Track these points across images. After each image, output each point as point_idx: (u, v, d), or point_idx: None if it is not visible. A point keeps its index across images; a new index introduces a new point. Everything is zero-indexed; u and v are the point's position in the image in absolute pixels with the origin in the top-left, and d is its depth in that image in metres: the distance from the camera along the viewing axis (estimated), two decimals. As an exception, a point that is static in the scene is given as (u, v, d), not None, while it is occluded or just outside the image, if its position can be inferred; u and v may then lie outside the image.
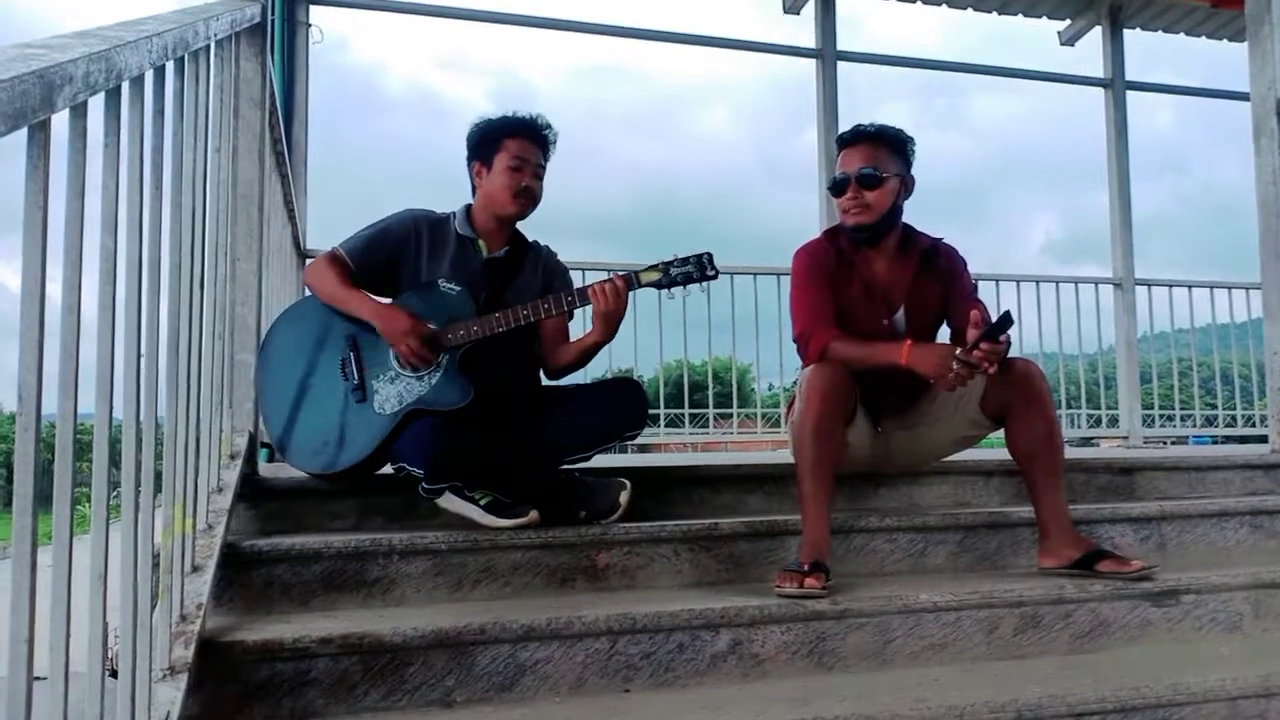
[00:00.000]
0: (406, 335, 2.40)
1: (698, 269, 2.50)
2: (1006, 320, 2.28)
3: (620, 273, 2.50)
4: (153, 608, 1.51)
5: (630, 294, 2.49)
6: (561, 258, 2.80)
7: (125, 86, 1.26)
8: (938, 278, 2.65)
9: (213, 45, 1.95)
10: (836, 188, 2.59)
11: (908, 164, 2.62)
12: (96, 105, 1.16)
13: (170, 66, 1.52)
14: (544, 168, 2.64)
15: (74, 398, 1.08)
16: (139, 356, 1.36)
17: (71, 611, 1.08)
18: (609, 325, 2.50)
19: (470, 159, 2.64)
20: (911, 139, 2.63)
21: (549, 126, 2.64)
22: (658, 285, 2.50)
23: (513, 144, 2.57)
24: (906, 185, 2.61)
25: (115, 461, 1.27)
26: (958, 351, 2.29)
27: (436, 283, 2.51)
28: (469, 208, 2.66)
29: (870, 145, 2.58)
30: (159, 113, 1.46)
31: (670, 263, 2.51)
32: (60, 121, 1.05)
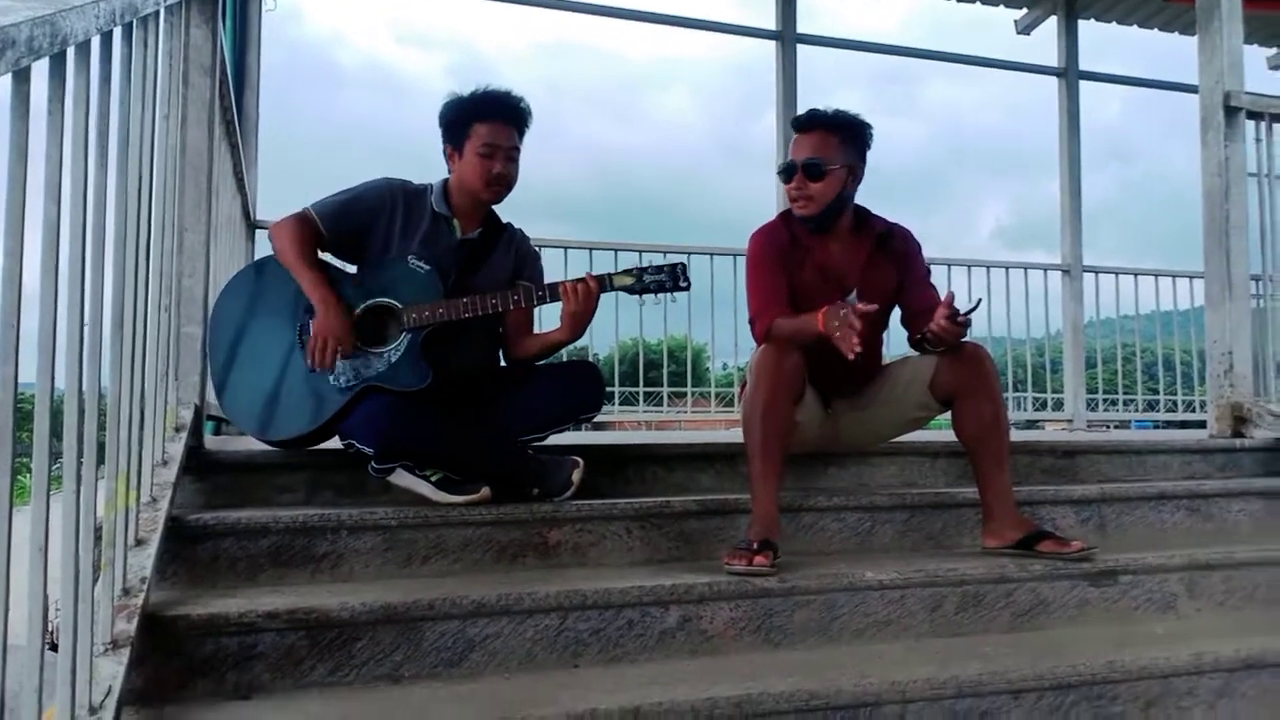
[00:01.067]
0: (330, 335, 2.36)
1: (670, 279, 2.52)
2: (976, 306, 2.39)
3: (590, 274, 2.50)
4: (95, 581, 1.50)
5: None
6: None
7: (71, 52, 1.23)
8: (892, 260, 2.67)
9: (162, 11, 1.91)
10: (785, 174, 2.59)
11: (861, 152, 2.62)
12: (40, 70, 1.13)
13: (118, 32, 1.48)
14: (518, 149, 2.57)
15: (14, 366, 1.06)
16: (82, 327, 1.34)
17: (11, 584, 1.06)
18: (576, 325, 2.49)
19: (443, 141, 2.58)
20: (868, 125, 2.62)
21: (520, 102, 2.56)
22: (630, 290, 2.51)
23: (482, 129, 2.50)
24: (855, 174, 2.60)
25: (56, 433, 1.25)
26: (853, 300, 2.29)
27: (406, 259, 2.47)
28: (446, 184, 2.60)
29: (821, 133, 2.57)
30: (105, 79, 1.43)
31: (645, 269, 2.52)
32: (2, 87, 1.02)
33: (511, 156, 2.55)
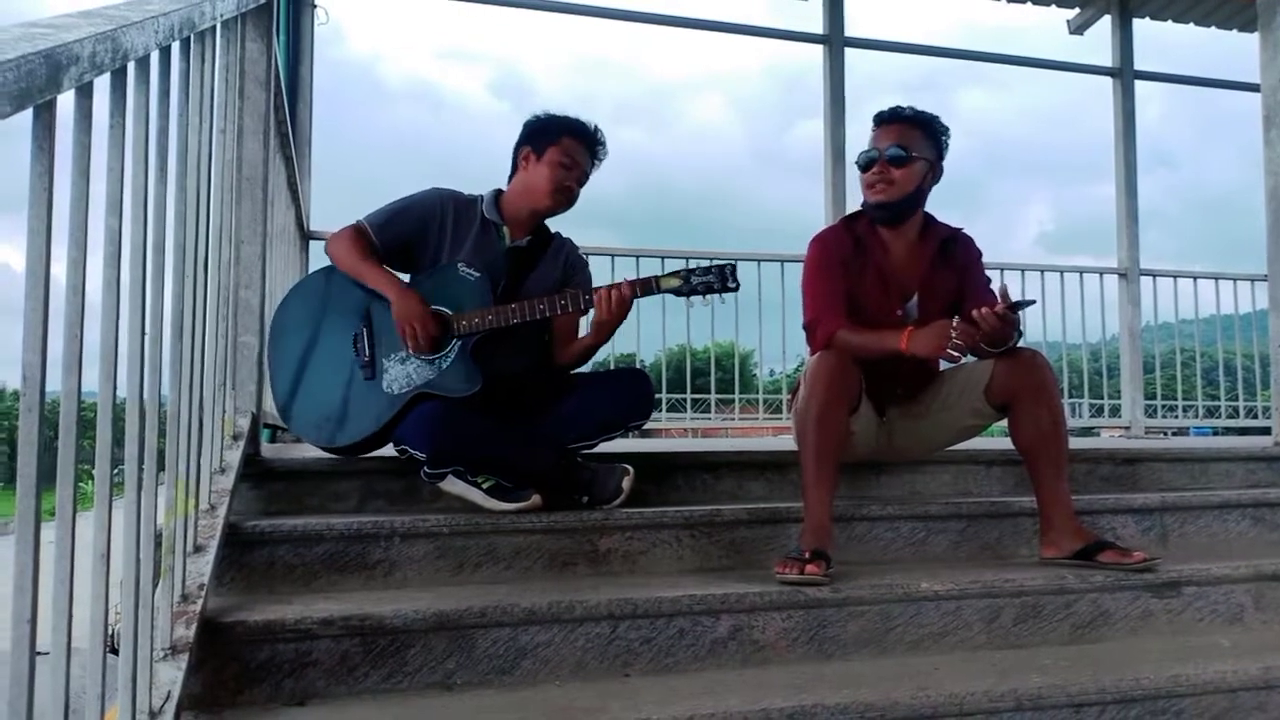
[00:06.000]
0: (415, 319, 2.41)
1: (719, 279, 2.50)
2: (1028, 302, 2.40)
3: (630, 279, 2.50)
4: (154, 587, 1.52)
5: (637, 300, 2.49)
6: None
7: (131, 67, 1.25)
8: (953, 267, 2.65)
9: (219, 26, 1.94)
10: (865, 163, 2.58)
11: (939, 152, 2.62)
12: (102, 86, 1.15)
13: (176, 47, 1.51)
14: (588, 176, 2.66)
15: (78, 377, 1.08)
16: (143, 337, 1.36)
17: (74, 589, 1.08)
18: (602, 331, 2.51)
19: (521, 143, 2.64)
20: (947, 129, 2.62)
21: (604, 143, 2.67)
22: (677, 292, 2.50)
23: (570, 143, 2.59)
24: (935, 171, 2.60)
25: (118, 440, 1.27)
26: (955, 321, 2.29)
27: (456, 266, 2.51)
28: (499, 193, 2.66)
29: (904, 126, 2.58)
30: (164, 94, 1.45)
31: (692, 271, 2.50)
32: (66, 102, 1.04)
33: (580, 180, 2.63)
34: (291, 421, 2.50)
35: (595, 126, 2.65)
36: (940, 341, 2.32)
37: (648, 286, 2.48)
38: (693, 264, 2.55)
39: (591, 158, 2.66)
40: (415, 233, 2.56)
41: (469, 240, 2.57)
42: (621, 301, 2.45)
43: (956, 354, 2.32)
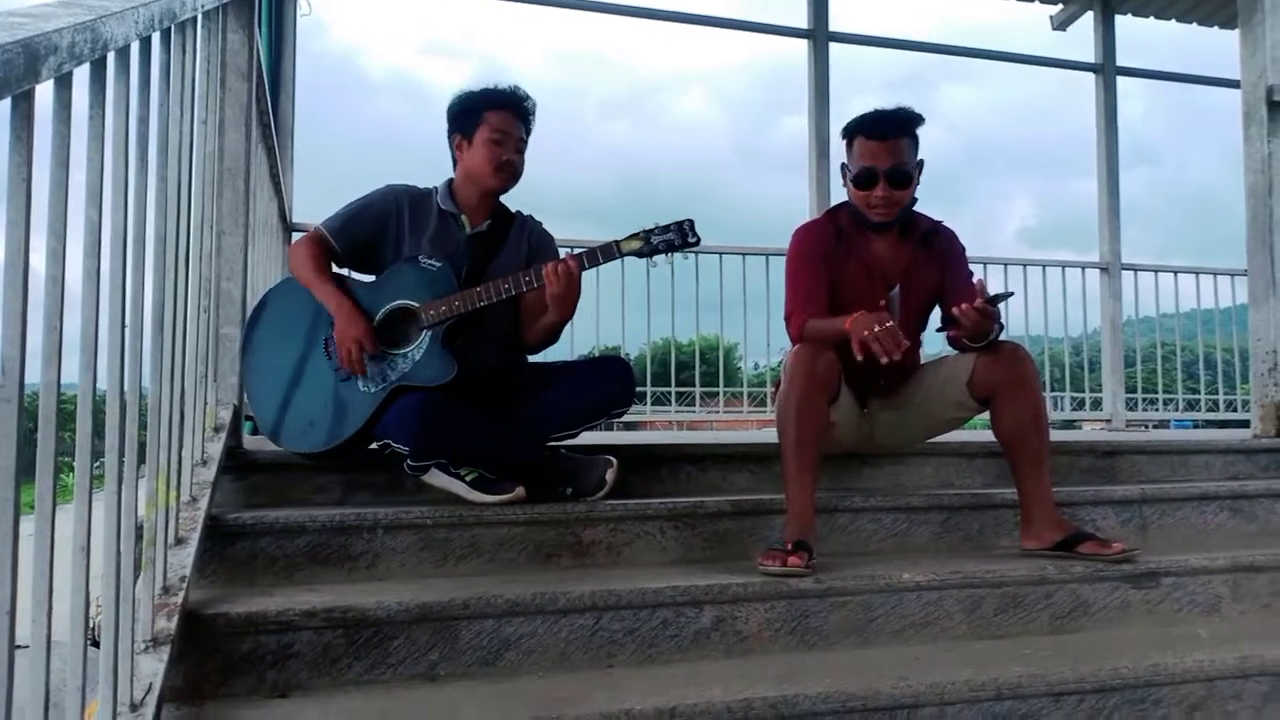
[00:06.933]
0: (352, 341, 2.40)
1: (679, 236, 2.47)
2: (1006, 294, 2.39)
3: (575, 251, 2.48)
4: (135, 579, 1.51)
5: (585, 271, 2.44)
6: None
7: (111, 57, 1.24)
8: (935, 259, 2.66)
9: (200, 16, 1.93)
10: (864, 181, 2.54)
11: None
12: (82, 76, 1.15)
13: (156, 38, 1.50)
14: (525, 141, 2.62)
15: (57, 368, 1.07)
16: (123, 329, 1.35)
17: (54, 582, 1.08)
18: (561, 306, 2.45)
19: (451, 132, 2.62)
20: (923, 119, 2.61)
21: (528, 98, 2.62)
22: (639, 254, 2.47)
23: (494, 117, 2.55)
24: (921, 169, 2.61)
25: (99, 432, 1.26)
26: (889, 302, 2.28)
27: (417, 259, 2.50)
28: (450, 182, 2.64)
29: (902, 140, 2.54)
30: (145, 84, 1.44)
31: (651, 230, 2.47)
32: (44, 92, 1.03)
33: (519, 148, 2.59)
34: (281, 438, 2.47)
35: (514, 88, 2.60)
36: (867, 329, 2.25)
37: (609, 252, 2.45)
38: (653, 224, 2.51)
39: (522, 122, 2.60)
40: (374, 232, 2.55)
41: (428, 233, 2.55)
42: (568, 274, 2.40)
43: (886, 343, 2.24)
